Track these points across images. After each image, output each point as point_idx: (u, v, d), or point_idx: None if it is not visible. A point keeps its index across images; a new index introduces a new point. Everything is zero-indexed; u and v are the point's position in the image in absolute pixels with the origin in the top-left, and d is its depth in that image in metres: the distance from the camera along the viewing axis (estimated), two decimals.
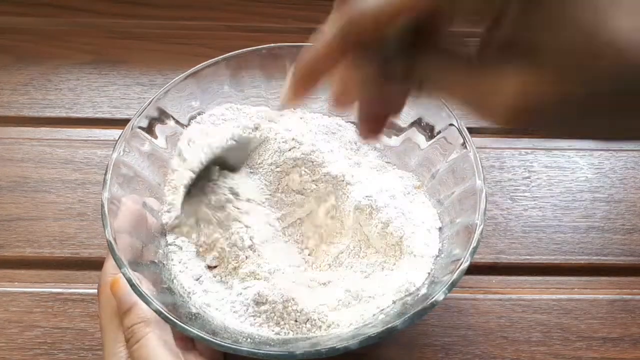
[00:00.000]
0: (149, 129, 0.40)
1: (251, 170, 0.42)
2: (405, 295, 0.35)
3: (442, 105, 0.40)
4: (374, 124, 0.27)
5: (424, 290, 0.35)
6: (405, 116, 0.43)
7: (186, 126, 0.42)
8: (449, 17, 0.22)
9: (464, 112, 0.24)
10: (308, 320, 0.34)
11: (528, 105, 0.19)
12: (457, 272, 0.32)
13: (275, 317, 0.35)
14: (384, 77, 0.23)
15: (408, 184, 0.41)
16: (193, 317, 0.33)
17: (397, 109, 0.28)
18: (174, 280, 0.36)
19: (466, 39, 0.22)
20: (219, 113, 0.41)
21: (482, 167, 0.37)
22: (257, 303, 0.35)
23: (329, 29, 0.22)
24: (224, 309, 0.35)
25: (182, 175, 0.38)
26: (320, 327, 0.34)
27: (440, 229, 0.38)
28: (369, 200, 0.38)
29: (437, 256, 0.37)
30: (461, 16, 0.21)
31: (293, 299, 0.35)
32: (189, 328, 0.30)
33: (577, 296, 0.42)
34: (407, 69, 0.23)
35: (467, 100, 0.21)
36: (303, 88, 0.24)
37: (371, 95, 0.25)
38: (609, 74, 0.18)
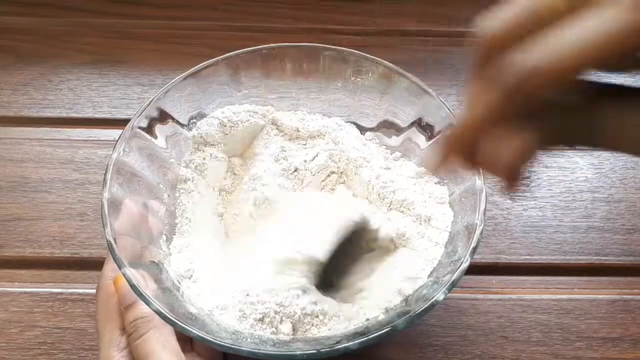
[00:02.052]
0: (149, 129, 0.40)
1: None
2: (406, 296, 0.35)
3: (442, 105, 0.40)
4: (516, 177, 0.23)
5: (424, 291, 0.35)
6: (405, 116, 0.43)
7: (186, 126, 0.42)
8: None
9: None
10: (308, 320, 0.34)
11: None
12: (457, 272, 0.32)
13: (276, 317, 0.35)
14: (549, 141, 0.20)
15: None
16: (193, 317, 0.33)
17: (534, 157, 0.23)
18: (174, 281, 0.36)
19: None
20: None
21: None
22: (258, 302, 0.35)
23: (487, 90, 0.19)
24: (225, 309, 0.35)
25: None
26: (320, 327, 0.34)
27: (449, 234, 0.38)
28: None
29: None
30: None
31: (293, 298, 0.35)
32: (189, 328, 0.30)
33: (577, 296, 0.42)
34: (581, 127, 0.19)
35: None
36: (456, 156, 0.22)
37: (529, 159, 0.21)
38: None
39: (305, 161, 0.42)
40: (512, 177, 0.21)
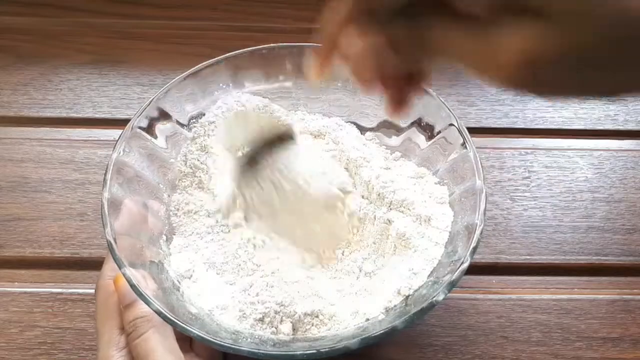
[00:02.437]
0: (149, 129, 0.40)
1: None
2: (406, 296, 0.35)
3: (442, 105, 0.40)
4: (397, 97, 0.27)
5: (424, 291, 0.35)
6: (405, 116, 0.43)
7: (186, 126, 0.42)
8: None
9: (468, 75, 0.24)
10: (308, 320, 0.34)
11: (532, 60, 0.20)
12: (457, 272, 0.32)
13: (276, 317, 0.35)
14: (392, 45, 0.23)
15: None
16: (193, 317, 0.33)
17: (418, 80, 0.27)
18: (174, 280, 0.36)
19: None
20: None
21: (482, 167, 0.37)
22: (258, 302, 0.35)
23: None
24: (225, 309, 0.35)
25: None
26: (320, 327, 0.35)
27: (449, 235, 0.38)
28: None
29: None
30: None
31: (294, 298, 0.35)
32: (189, 328, 0.30)
33: (577, 296, 0.42)
34: (413, 35, 0.23)
35: (472, 62, 0.22)
36: (326, 58, 0.26)
37: (386, 65, 0.25)
38: (612, 22, 0.18)
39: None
40: (362, 75, 0.25)
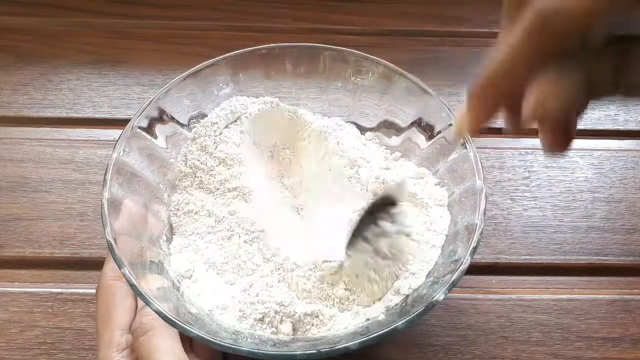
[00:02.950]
0: (149, 129, 0.40)
1: None
2: (406, 296, 0.35)
3: (442, 105, 0.40)
4: (566, 133, 0.21)
5: (424, 291, 0.35)
6: (405, 116, 0.43)
7: (186, 126, 0.42)
8: None
9: None
10: (308, 320, 0.34)
11: None
12: (457, 272, 0.32)
13: (276, 317, 0.35)
14: (591, 84, 0.19)
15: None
16: (193, 317, 0.33)
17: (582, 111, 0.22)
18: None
19: None
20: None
21: (482, 167, 0.37)
22: (258, 302, 0.35)
23: (508, 39, 0.19)
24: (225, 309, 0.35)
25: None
26: (320, 327, 0.34)
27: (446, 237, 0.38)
28: None
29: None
30: None
31: (293, 298, 0.35)
32: (189, 328, 0.30)
33: (577, 296, 0.42)
34: (619, 71, 0.19)
35: None
36: (483, 113, 0.21)
37: (581, 110, 0.20)
38: None
39: None
40: (561, 129, 0.20)
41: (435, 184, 0.40)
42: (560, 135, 0.21)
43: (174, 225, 0.39)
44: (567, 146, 0.22)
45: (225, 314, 0.35)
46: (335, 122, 0.44)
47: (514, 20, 0.19)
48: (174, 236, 0.39)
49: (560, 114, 0.19)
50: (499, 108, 0.20)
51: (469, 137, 0.24)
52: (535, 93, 0.19)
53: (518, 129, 0.21)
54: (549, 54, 0.19)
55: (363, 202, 0.36)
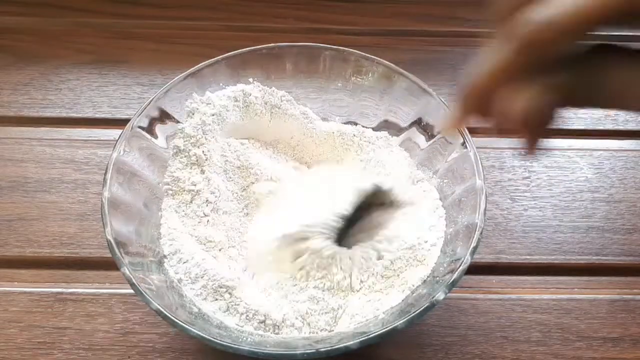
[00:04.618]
0: (149, 129, 0.40)
1: None
2: (406, 296, 0.35)
3: (442, 105, 0.40)
4: (536, 137, 0.23)
5: (424, 290, 0.35)
6: (405, 116, 0.43)
7: None
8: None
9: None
10: (307, 320, 0.34)
11: None
12: (457, 272, 0.32)
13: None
14: (563, 95, 0.21)
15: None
16: (193, 317, 0.33)
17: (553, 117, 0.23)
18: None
19: None
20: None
21: (482, 167, 0.37)
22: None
23: (502, 46, 0.20)
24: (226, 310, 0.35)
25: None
26: (319, 327, 0.34)
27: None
28: None
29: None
30: None
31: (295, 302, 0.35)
32: (189, 328, 0.30)
33: (577, 296, 0.42)
34: (587, 82, 0.20)
35: None
36: (471, 112, 0.22)
37: (549, 117, 0.21)
38: None
39: None
40: (528, 131, 0.22)
41: (435, 185, 0.40)
42: (528, 135, 0.22)
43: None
44: (536, 146, 0.23)
45: (225, 314, 0.35)
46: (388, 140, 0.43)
47: (503, 24, 0.20)
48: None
49: (526, 119, 0.21)
50: (488, 108, 0.22)
51: (453, 134, 0.26)
52: (504, 97, 0.21)
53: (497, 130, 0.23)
54: (535, 66, 0.20)
55: (353, 197, 0.36)
